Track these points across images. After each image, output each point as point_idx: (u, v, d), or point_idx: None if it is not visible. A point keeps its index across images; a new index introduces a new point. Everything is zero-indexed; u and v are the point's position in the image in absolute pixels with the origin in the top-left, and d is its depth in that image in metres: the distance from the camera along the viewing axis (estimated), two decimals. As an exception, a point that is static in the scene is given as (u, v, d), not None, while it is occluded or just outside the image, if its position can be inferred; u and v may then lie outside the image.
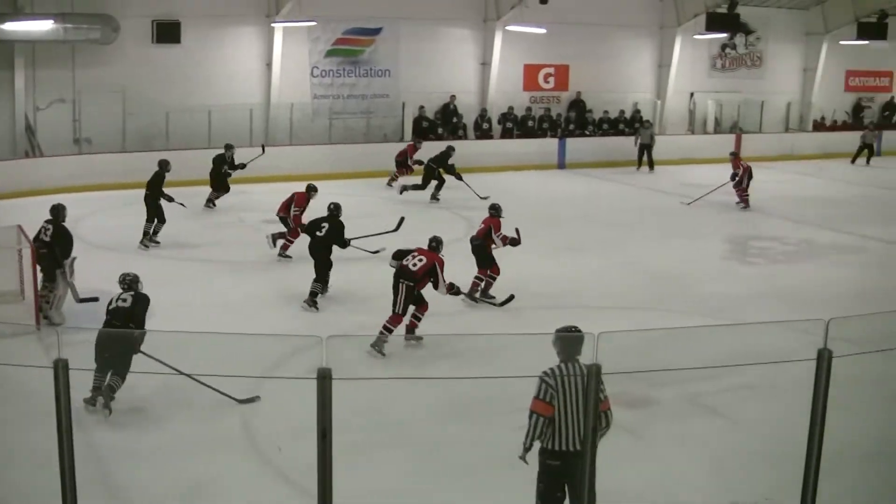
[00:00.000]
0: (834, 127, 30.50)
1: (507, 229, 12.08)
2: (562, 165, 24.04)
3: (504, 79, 25.18)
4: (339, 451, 4.94)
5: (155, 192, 14.55)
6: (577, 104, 26.47)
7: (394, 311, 9.94)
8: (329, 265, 11.60)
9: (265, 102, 22.48)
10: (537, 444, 5.58)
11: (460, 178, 18.96)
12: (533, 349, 5.51)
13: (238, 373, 6.25)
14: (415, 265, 10.03)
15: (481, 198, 18.00)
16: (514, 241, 11.91)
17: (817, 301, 12.34)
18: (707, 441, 8.09)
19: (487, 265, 11.91)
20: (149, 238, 14.52)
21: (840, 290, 13.18)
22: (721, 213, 19.00)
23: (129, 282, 8.65)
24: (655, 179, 23.28)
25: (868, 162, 26.93)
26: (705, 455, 7.80)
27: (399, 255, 10.23)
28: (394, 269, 10.14)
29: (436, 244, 10.41)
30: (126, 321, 8.31)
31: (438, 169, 19.20)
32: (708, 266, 14.44)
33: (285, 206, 13.96)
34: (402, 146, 21.13)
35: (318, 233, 11.61)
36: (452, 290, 10.33)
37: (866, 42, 29.06)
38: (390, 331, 9.86)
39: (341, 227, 11.76)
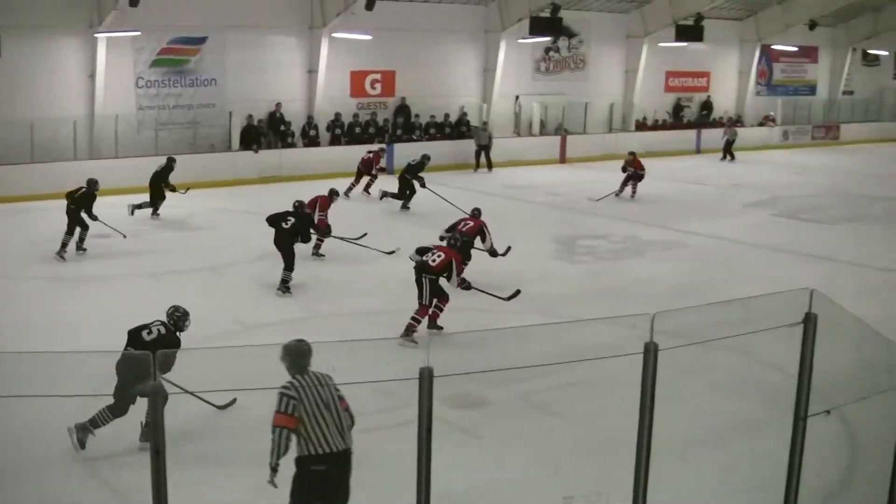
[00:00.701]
0: (655, 126, 31.86)
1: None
2: (390, 171, 24.07)
3: (331, 86, 25.01)
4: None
5: (80, 207, 14.53)
6: (403, 109, 26.57)
7: (420, 303, 10.77)
8: (293, 254, 12.67)
9: (89, 114, 21.58)
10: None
11: (424, 186, 19.17)
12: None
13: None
14: (434, 261, 10.88)
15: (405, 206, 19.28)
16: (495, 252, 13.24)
17: (643, 296, 12.76)
18: (540, 438, 8.19)
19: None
20: (77, 246, 14.62)
21: (664, 284, 13.69)
22: (547, 213, 19.46)
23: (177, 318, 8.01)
24: (483, 181, 23.66)
25: (730, 158, 28.85)
26: (539, 452, 7.90)
27: (421, 251, 11.03)
28: (415, 264, 10.94)
29: (454, 242, 11.44)
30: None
31: (413, 179, 19.40)
32: (537, 266, 14.68)
33: (311, 205, 14.35)
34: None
35: (283, 224, 12.70)
36: (463, 284, 11.14)
37: (684, 44, 30.50)
38: (418, 321, 10.65)
39: (309, 221, 13.24)
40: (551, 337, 7.81)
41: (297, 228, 12.76)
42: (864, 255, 15.60)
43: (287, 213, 12.91)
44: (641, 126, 31.46)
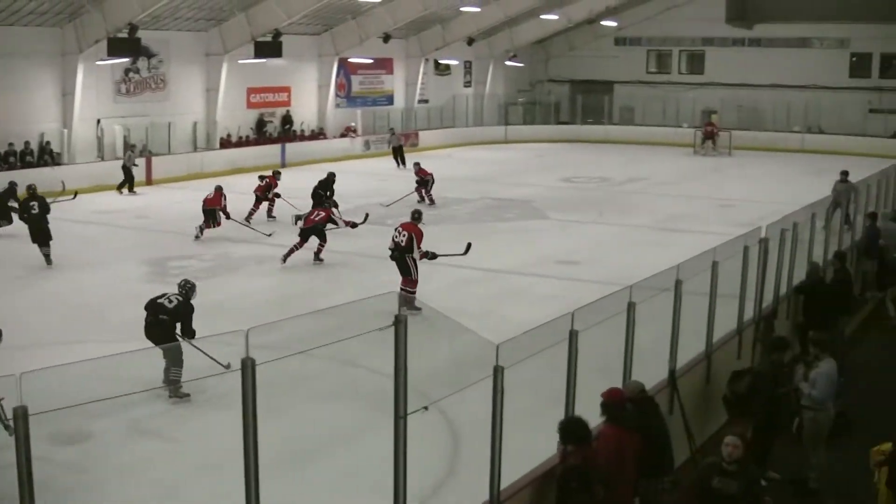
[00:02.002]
0: (240, 143, 31.73)
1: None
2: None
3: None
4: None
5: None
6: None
7: (404, 276, 12.57)
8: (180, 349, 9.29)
9: None
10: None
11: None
12: None
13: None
14: (401, 240, 12.55)
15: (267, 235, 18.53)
16: (433, 255, 13.18)
17: (240, 312, 12.53)
18: (155, 464, 8.00)
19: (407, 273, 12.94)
20: None
21: (260, 298, 13.55)
22: (137, 237, 18.55)
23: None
24: (68, 209, 21.93)
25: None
26: (157, 479, 7.68)
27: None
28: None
29: (417, 216, 13.20)
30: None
31: (325, 194, 20.19)
32: (127, 290, 13.89)
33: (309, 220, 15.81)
34: None
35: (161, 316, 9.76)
36: (427, 255, 12.69)
37: (264, 60, 30.68)
38: (411, 291, 12.28)
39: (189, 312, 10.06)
40: (147, 363, 7.39)
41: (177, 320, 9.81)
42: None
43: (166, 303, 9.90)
44: (226, 143, 31.15)
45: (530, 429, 6.94)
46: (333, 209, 17.53)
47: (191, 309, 9.76)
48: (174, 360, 9.06)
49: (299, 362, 5.16)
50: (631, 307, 7.28)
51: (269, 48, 29.95)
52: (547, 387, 6.76)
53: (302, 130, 34.46)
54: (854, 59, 41.37)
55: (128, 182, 24.97)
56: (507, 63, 44.28)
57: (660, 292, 7.98)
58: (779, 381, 8.37)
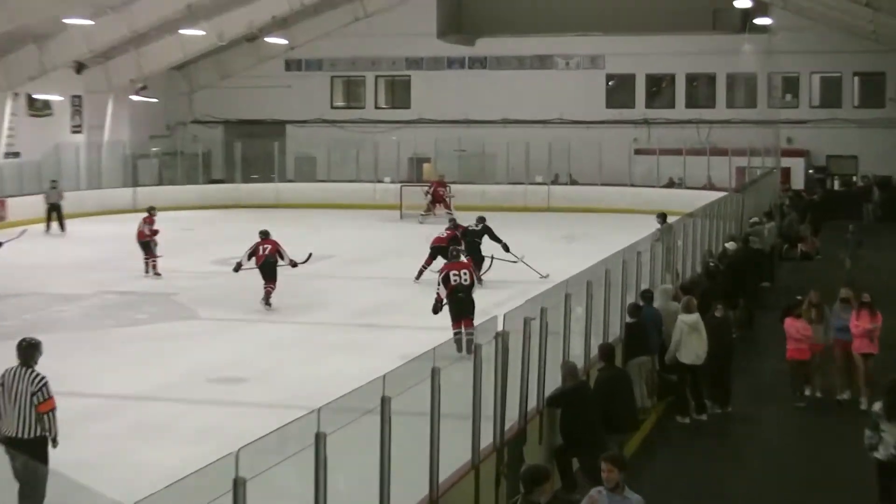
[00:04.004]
0: None
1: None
2: None
3: None
4: None
5: None
6: None
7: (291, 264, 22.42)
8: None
9: None
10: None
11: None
12: None
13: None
14: (270, 252, 22.12)
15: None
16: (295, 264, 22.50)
17: None
18: None
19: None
20: None
21: None
22: None
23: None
24: None
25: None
26: None
27: None
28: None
29: (266, 232, 22.81)
30: None
31: None
32: None
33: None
34: None
35: None
36: (292, 262, 22.33)
37: None
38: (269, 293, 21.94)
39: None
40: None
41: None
42: None
43: None
44: None
45: None
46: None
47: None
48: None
49: None
50: (320, 439, 7.10)
51: None
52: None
53: None
54: (611, 83, 44.41)
55: None
56: (134, 98, 43.99)
57: (360, 415, 7.88)
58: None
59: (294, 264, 22.52)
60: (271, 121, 45.75)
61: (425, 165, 43.10)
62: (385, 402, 8.09)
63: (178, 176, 44.38)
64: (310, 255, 23.51)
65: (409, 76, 45.69)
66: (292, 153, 45.14)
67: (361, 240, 32.86)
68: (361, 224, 36.62)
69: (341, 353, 18.35)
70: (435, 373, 8.94)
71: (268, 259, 22.11)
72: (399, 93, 46.17)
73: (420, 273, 24.56)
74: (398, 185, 39.96)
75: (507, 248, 25.16)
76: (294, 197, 41.92)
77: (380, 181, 42.14)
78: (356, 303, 23.12)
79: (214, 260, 28.33)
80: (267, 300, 21.99)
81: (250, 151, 43.93)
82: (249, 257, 22.35)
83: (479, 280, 19.74)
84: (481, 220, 26.01)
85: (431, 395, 8.93)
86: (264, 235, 22.55)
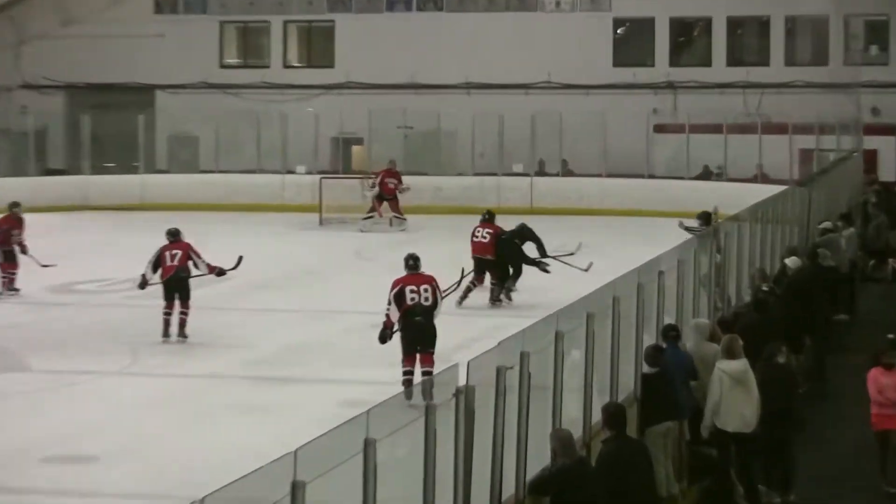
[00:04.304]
0: None
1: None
2: None
3: None
4: None
5: None
6: None
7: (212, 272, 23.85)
8: None
9: None
10: None
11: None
12: None
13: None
14: (180, 262, 23.17)
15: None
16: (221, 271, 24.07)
17: None
18: None
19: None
20: None
21: None
22: None
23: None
24: None
25: None
26: None
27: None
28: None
29: (176, 231, 23.81)
30: None
31: None
32: None
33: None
34: None
35: None
36: (214, 270, 23.67)
37: None
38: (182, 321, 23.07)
39: None
40: None
41: None
42: None
43: None
44: None
45: None
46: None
47: None
48: None
49: None
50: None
51: None
52: None
53: None
54: (621, 30, 44.50)
55: None
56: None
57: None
58: None
59: (220, 272, 23.72)
60: (134, 85, 45.83)
61: (355, 149, 43.27)
62: (298, 488, 8.03)
63: (0, 164, 44.34)
64: (240, 258, 24.08)
65: (333, 22, 45.81)
66: (164, 132, 45.28)
67: (265, 256, 32.72)
68: (264, 233, 36.95)
69: (240, 417, 18.35)
70: (369, 445, 8.90)
71: (178, 272, 22.70)
72: (318, 46, 46.37)
73: (464, 297, 25.21)
74: (317, 178, 39.90)
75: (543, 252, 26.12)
76: (166, 194, 42.09)
77: (290, 172, 42.24)
78: (260, 345, 23.13)
79: (52, 286, 28.30)
80: (181, 331, 22.41)
81: (104, 129, 43.97)
82: (155, 268, 22.92)
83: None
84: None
85: (364, 480, 8.87)
86: (173, 237, 23.22)
